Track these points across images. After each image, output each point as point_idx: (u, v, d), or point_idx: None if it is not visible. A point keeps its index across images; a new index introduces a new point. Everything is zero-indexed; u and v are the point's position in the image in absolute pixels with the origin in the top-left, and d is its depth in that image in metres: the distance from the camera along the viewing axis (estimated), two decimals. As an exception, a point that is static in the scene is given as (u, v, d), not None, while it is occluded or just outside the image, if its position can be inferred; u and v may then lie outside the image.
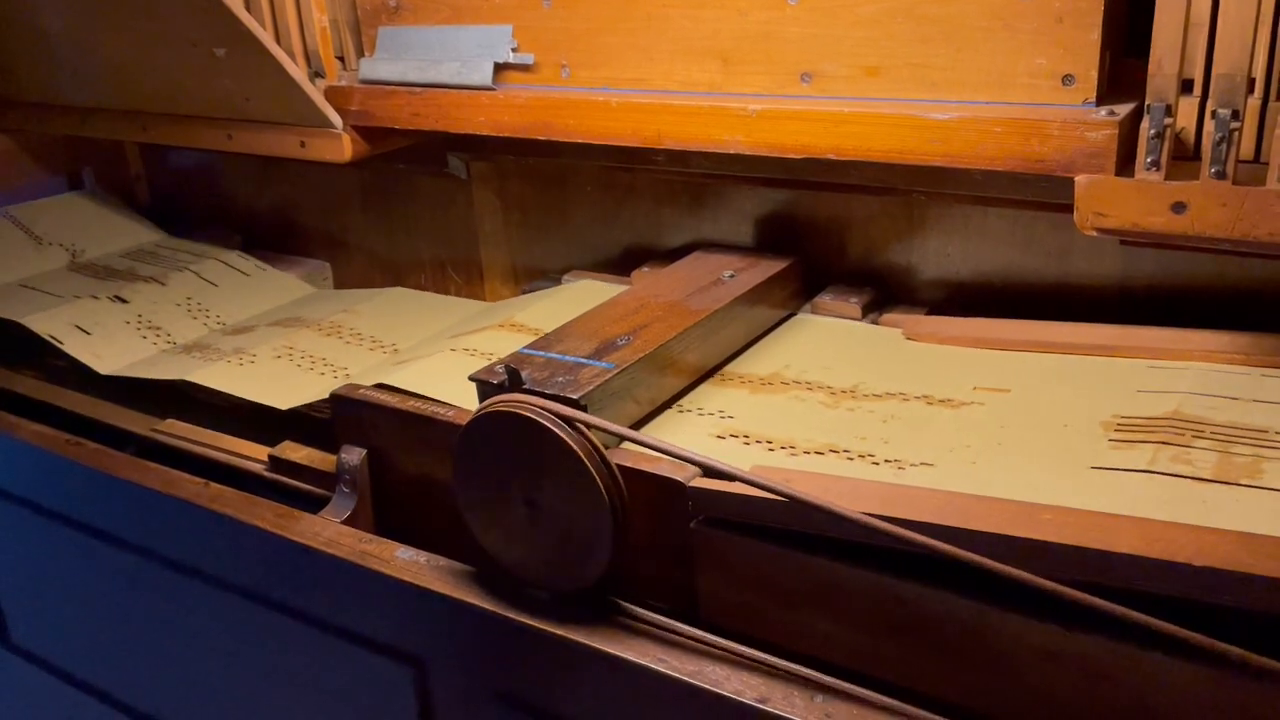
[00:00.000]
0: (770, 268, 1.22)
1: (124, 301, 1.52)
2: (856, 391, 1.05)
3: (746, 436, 0.97)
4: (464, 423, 0.93)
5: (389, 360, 1.28)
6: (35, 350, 1.46)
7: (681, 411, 1.04)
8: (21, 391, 1.46)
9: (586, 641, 0.88)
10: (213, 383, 1.28)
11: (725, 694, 0.81)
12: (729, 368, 1.13)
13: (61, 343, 1.41)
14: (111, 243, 1.76)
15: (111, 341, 1.44)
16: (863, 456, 0.93)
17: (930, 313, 1.20)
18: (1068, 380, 1.02)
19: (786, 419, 1.00)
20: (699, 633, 0.88)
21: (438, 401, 1.07)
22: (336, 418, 1.13)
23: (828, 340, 1.17)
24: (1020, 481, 0.86)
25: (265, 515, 1.09)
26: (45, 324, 1.43)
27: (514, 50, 1.21)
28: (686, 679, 0.83)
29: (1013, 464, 0.89)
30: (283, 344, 1.39)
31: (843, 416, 1.00)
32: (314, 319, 1.47)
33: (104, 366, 1.38)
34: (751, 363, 1.14)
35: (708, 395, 1.07)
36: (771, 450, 0.95)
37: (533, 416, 0.87)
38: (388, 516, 1.13)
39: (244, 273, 1.66)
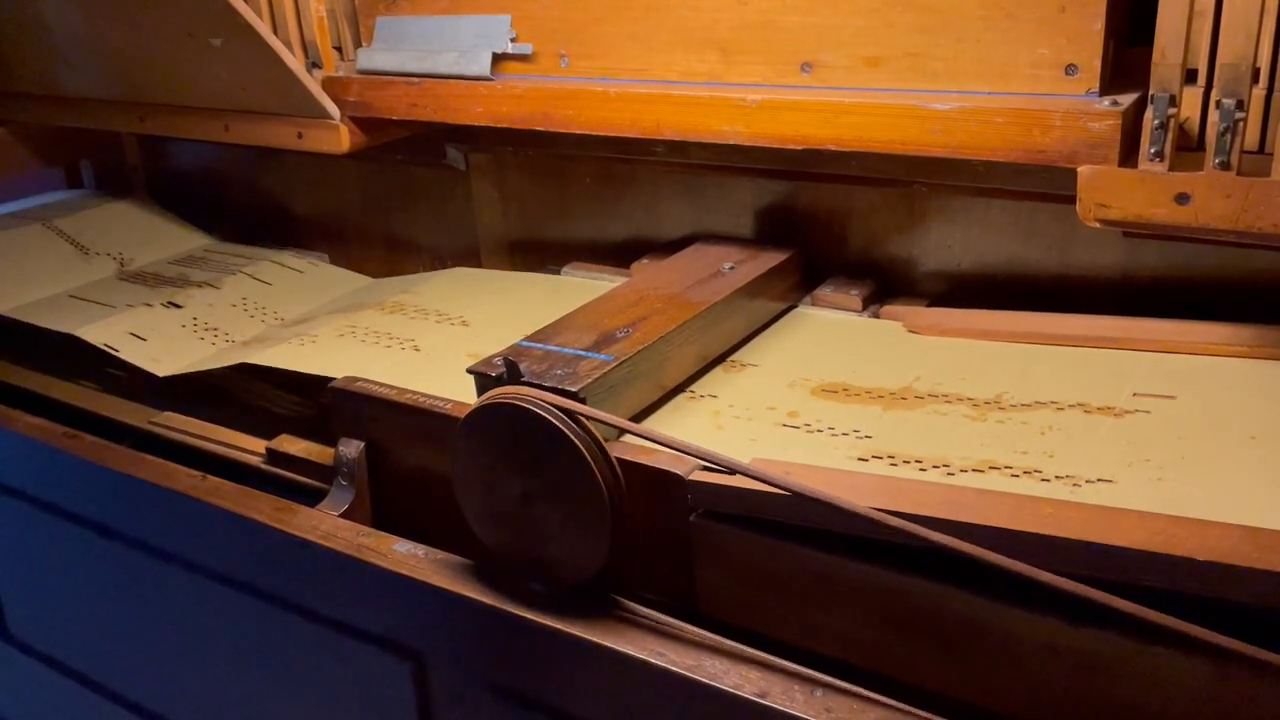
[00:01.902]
0: (770, 260, 1.21)
1: (178, 306, 1.49)
2: (1002, 402, 0.98)
3: (892, 457, 0.91)
4: (462, 415, 0.92)
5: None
6: (91, 361, 1.41)
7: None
8: (18, 384, 1.45)
9: (585, 635, 0.88)
10: (273, 362, 1.24)
11: (724, 688, 0.81)
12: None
13: (118, 351, 1.36)
14: (160, 250, 1.73)
15: (169, 345, 1.40)
16: (1028, 473, 0.86)
17: (931, 305, 1.20)
18: (1237, 387, 0.95)
19: (931, 436, 0.93)
20: (699, 631, 0.88)
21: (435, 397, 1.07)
22: (334, 410, 1.12)
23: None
24: (1226, 500, 0.78)
25: (263, 508, 1.09)
26: (99, 334, 1.39)
27: (512, 40, 1.21)
28: (685, 673, 0.83)
29: (1208, 479, 0.82)
30: (345, 324, 1.35)
31: (993, 430, 0.93)
32: (375, 301, 1.43)
33: (163, 369, 1.34)
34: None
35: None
36: (924, 470, 0.88)
37: (531, 409, 0.87)
38: (386, 510, 1.13)
39: (298, 270, 1.63)
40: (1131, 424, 0.92)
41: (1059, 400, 0.97)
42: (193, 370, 1.32)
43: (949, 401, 0.99)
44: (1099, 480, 0.83)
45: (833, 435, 0.96)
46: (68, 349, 1.41)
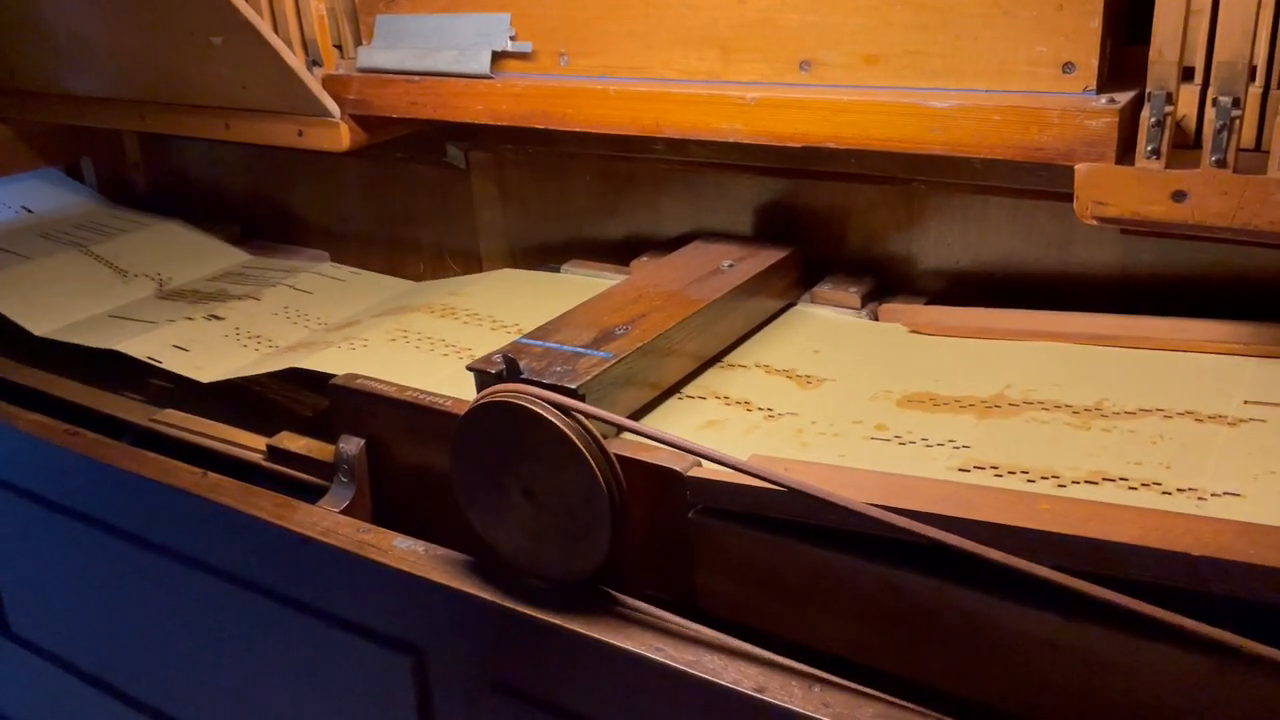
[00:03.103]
0: (769, 257, 1.22)
1: (219, 319, 1.47)
2: (1104, 409, 0.94)
3: (995, 467, 0.87)
4: (462, 412, 0.93)
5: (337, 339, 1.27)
6: (135, 375, 1.40)
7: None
8: (19, 381, 1.46)
9: (584, 631, 0.88)
10: (323, 367, 1.20)
11: (723, 684, 0.81)
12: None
13: (160, 362, 1.34)
14: (198, 268, 1.70)
15: (212, 353, 1.38)
16: (1146, 485, 0.82)
17: (930, 303, 1.20)
18: None
19: (1034, 445, 0.90)
20: (698, 627, 0.88)
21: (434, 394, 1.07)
22: (334, 407, 1.13)
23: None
24: None
25: (263, 505, 1.09)
26: (141, 347, 1.37)
27: (512, 38, 1.21)
28: (684, 668, 0.83)
29: None
30: (395, 328, 1.31)
31: (1099, 439, 0.90)
32: (423, 304, 1.39)
33: (206, 376, 1.31)
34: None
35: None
36: (1032, 482, 0.84)
37: (530, 406, 0.87)
38: (386, 506, 1.13)
39: (338, 279, 1.61)
40: (1249, 433, 0.87)
41: (1165, 408, 0.93)
42: (237, 376, 1.30)
43: (1046, 409, 0.95)
44: (1225, 494, 0.79)
45: (927, 446, 0.92)
46: (111, 365, 1.40)
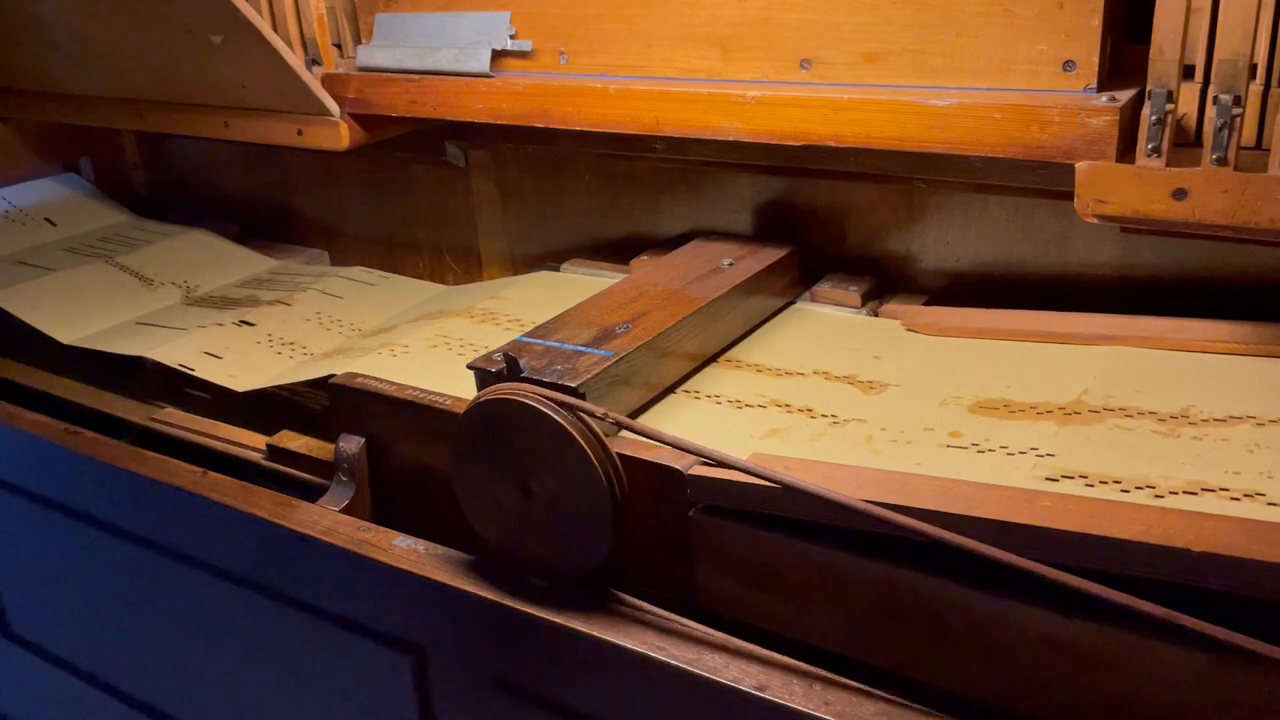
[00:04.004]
0: (769, 256, 1.22)
1: (250, 325, 1.45)
2: (1191, 416, 0.91)
3: (1085, 477, 0.84)
4: (462, 411, 0.93)
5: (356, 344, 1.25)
6: (169, 383, 1.37)
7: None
8: (19, 381, 1.45)
9: (585, 629, 0.88)
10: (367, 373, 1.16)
11: (724, 682, 0.81)
12: (731, 353, 1.13)
13: (193, 370, 1.31)
14: (224, 275, 1.68)
15: (246, 361, 1.34)
16: (1249, 496, 0.79)
17: (930, 301, 1.20)
18: None
19: (1122, 454, 0.87)
20: (699, 626, 0.88)
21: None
22: (334, 406, 1.12)
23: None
24: None
25: (263, 504, 1.09)
26: (173, 354, 1.34)
27: (512, 37, 1.21)
28: (685, 667, 0.83)
29: None
30: (435, 334, 1.27)
31: (1190, 447, 0.86)
32: (461, 309, 1.35)
33: (241, 385, 1.28)
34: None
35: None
36: (1126, 492, 0.81)
37: (531, 404, 0.87)
38: (386, 505, 1.13)
39: (369, 283, 1.59)
40: None
41: (1256, 415, 0.90)
42: (274, 385, 1.27)
43: (1129, 415, 0.92)
44: None
45: (1009, 455, 0.89)
46: (141, 373, 1.38)
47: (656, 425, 0.91)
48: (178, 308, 1.57)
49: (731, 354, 1.13)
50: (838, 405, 1.01)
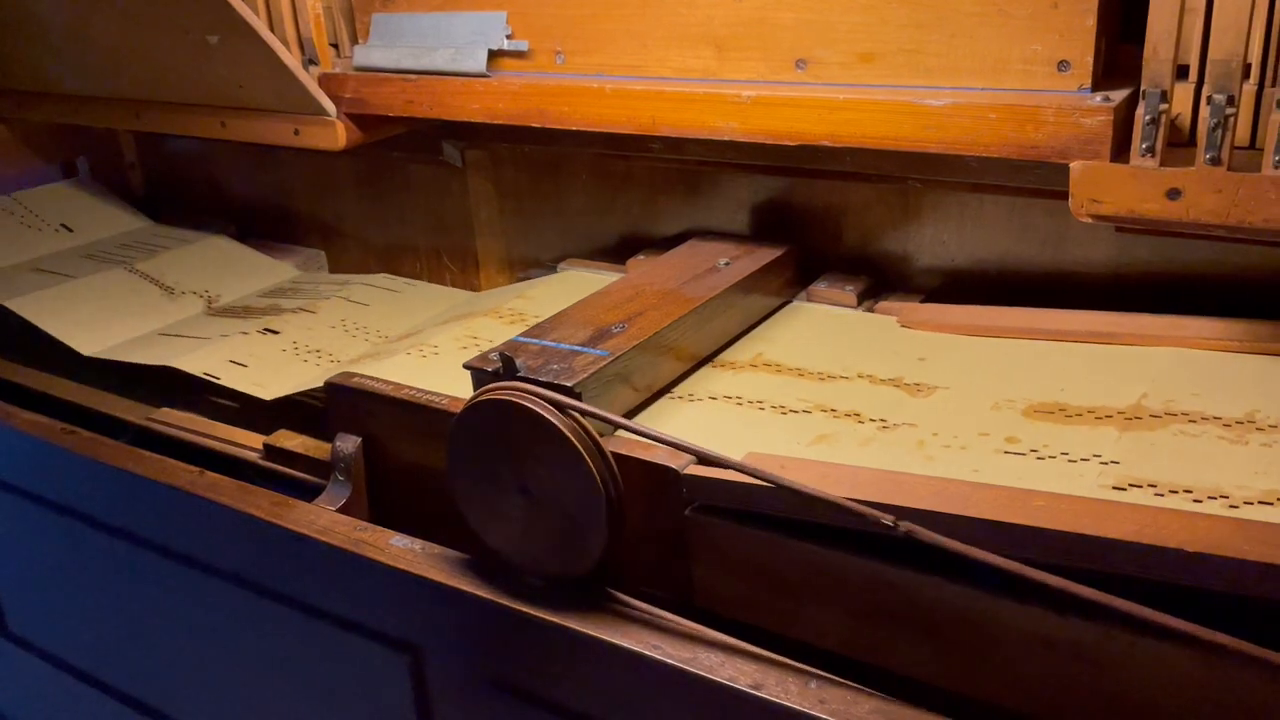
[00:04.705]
0: (765, 255, 1.22)
1: (274, 333, 1.42)
2: (1258, 421, 0.89)
3: (1154, 485, 0.81)
4: (458, 410, 0.93)
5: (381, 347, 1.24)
6: (194, 393, 1.35)
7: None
8: (16, 380, 1.45)
9: (581, 628, 0.88)
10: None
11: (719, 680, 0.81)
12: (723, 356, 1.13)
13: (218, 378, 1.29)
14: (246, 284, 1.65)
15: (273, 369, 1.32)
16: None
17: (926, 300, 1.20)
18: None
19: (1190, 461, 0.84)
20: (694, 625, 0.88)
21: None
22: (331, 405, 1.13)
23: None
24: None
25: (260, 503, 1.09)
26: (197, 363, 1.31)
27: (508, 37, 1.21)
28: (681, 666, 0.83)
29: None
30: (465, 334, 1.25)
31: (1261, 454, 0.84)
32: (489, 309, 1.33)
33: (268, 393, 1.26)
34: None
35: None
36: (1198, 502, 0.78)
37: (527, 404, 0.87)
38: (383, 504, 1.13)
39: (393, 290, 1.57)
40: None
41: None
42: (301, 392, 1.25)
43: (1193, 421, 0.90)
44: None
45: (1070, 462, 0.86)
46: (166, 383, 1.36)
47: (696, 428, 0.91)
48: (200, 318, 1.54)
49: (763, 353, 1.12)
50: (886, 409, 0.98)
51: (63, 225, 1.81)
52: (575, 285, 1.36)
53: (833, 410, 1.00)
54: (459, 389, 1.04)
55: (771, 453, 0.91)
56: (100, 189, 1.92)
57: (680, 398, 1.05)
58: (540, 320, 1.10)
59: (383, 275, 1.64)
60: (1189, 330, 1.02)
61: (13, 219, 1.79)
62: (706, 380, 1.08)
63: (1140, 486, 0.81)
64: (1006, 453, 0.89)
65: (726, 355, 1.13)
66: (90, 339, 1.44)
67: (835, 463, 0.88)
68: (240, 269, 1.70)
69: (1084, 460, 0.86)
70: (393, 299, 1.54)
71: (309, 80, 1.31)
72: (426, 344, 1.25)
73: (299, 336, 1.42)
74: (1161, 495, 0.80)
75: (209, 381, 1.28)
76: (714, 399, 1.04)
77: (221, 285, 1.64)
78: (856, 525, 0.79)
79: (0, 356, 1.52)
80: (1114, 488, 0.82)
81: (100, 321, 1.50)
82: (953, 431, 0.93)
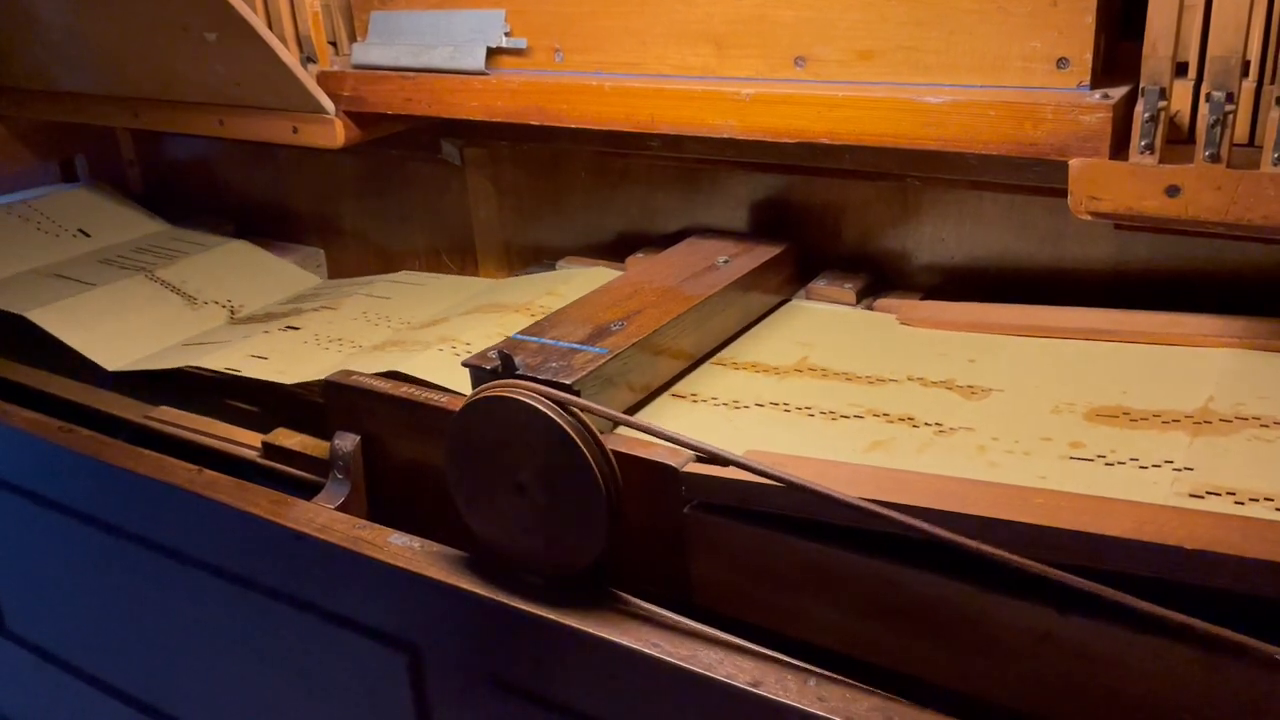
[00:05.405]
0: (764, 253, 1.22)
1: (295, 329, 1.41)
2: None
3: (1233, 493, 0.78)
4: (457, 408, 0.93)
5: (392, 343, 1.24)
6: (214, 394, 1.34)
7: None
8: (14, 379, 1.45)
9: (580, 626, 0.88)
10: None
11: (718, 678, 0.81)
12: (723, 354, 1.13)
13: (239, 371, 1.29)
14: (270, 293, 1.63)
15: (295, 360, 1.31)
16: None
17: (925, 298, 1.20)
18: None
19: (1269, 467, 0.81)
20: (693, 623, 0.88)
21: (433, 385, 1.07)
22: (329, 403, 1.12)
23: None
24: None
25: (259, 502, 1.09)
26: (220, 361, 1.32)
27: (507, 34, 1.21)
28: (680, 663, 0.83)
29: None
30: (496, 332, 1.21)
31: None
32: (518, 303, 1.31)
33: (289, 378, 1.25)
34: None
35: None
36: None
37: (526, 401, 0.87)
38: (381, 502, 1.13)
39: (415, 284, 1.55)
40: None
41: None
42: (323, 378, 1.20)
43: (1266, 425, 0.86)
44: None
45: (1141, 469, 0.83)
46: (185, 388, 1.36)
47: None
48: (223, 328, 1.53)
49: (809, 358, 1.10)
50: (940, 413, 0.95)
51: (80, 230, 1.80)
52: (600, 282, 1.30)
53: (885, 415, 0.97)
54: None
55: (825, 458, 0.87)
56: (114, 192, 1.91)
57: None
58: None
59: (404, 271, 1.63)
60: (1188, 327, 1.02)
61: (29, 225, 1.78)
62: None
63: (1218, 494, 0.78)
64: (1073, 459, 0.86)
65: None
66: (114, 354, 1.42)
67: (833, 460, 0.88)
68: (261, 276, 1.68)
69: (1155, 466, 0.83)
70: (415, 291, 1.53)
71: (307, 78, 1.31)
72: (458, 339, 1.22)
73: (320, 329, 1.42)
74: (1241, 504, 0.77)
75: (227, 381, 1.27)
76: (741, 404, 1.01)
77: (244, 294, 1.63)
78: (855, 522, 0.79)
79: (11, 360, 1.50)
80: (1190, 495, 0.79)
81: (123, 334, 1.48)
82: (1014, 436, 0.90)
